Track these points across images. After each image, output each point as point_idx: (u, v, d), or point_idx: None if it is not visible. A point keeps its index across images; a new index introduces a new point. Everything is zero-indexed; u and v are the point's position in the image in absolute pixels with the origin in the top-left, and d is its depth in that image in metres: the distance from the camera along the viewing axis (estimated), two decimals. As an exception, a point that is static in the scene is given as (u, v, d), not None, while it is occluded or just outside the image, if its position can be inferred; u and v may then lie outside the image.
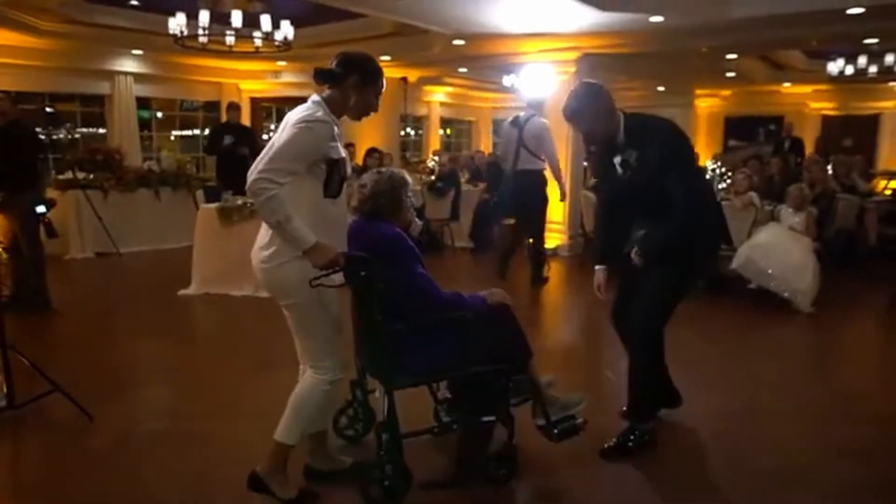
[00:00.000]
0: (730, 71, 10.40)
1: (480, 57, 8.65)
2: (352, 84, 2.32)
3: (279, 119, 11.75)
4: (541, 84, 7.46)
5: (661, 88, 12.83)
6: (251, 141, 7.62)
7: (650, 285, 2.86)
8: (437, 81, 12.84)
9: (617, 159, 2.87)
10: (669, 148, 2.73)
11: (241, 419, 3.27)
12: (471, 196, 8.66)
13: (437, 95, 13.98)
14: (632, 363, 2.98)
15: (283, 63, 9.88)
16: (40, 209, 5.31)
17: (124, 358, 4.35)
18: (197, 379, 3.90)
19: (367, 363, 2.73)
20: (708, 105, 13.74)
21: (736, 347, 4.62)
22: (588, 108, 2.78)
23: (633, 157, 2.80)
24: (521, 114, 6.28)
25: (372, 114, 2.45)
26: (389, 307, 2.43)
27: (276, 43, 7.40)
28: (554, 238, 8.36)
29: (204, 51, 7.49)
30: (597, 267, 3.10)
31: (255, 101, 10.87)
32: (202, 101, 10.67)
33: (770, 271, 5.53)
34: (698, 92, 13.38)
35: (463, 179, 9.96)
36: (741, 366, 4.18)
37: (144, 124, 10.45)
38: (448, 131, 16.32)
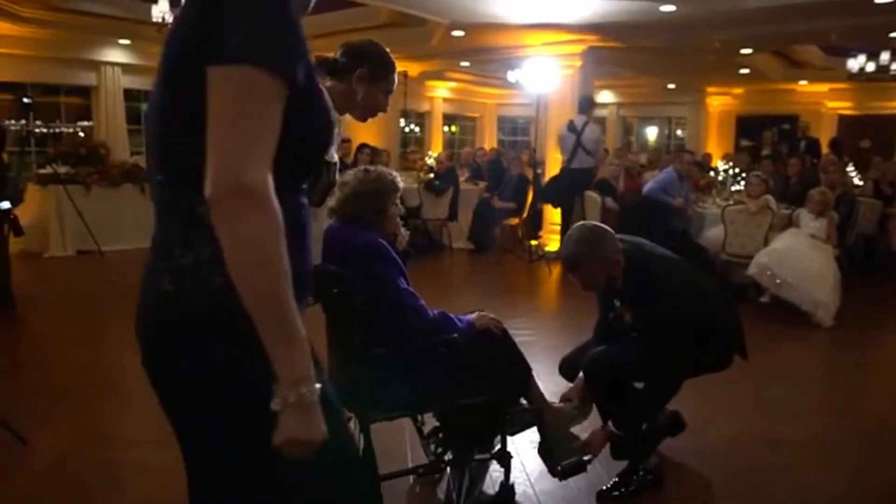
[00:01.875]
0: (743, 67, 9.97)
1: (481, 50, 8.28)
2: (359, 78, 2.01)
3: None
4: (544, 79, 7.08)
5: (671, 86, 12.41)
6: None
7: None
8: (439, 76, 12.45)
9: (611, 314, 2.62)
10: (670, 316, 2.39)
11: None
12: (470, 195, 8.30)
13: (440, 91, 13.59)
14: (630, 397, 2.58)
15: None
16: (4, 205, 5.05)
17: (80, 370, 3.99)
18: (154, 399, 3.54)
19: (341, 391, 2.38)
20: (720, 103, 13.29)
21: (749, 366, 4.19)
22: (587, 258, 2.41)
23: (628, 316, 2.51)
24: (575, 119, 7.29)
25: (380, 114, 2.12)
26: (367, 328, 2.08)
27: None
28: (555, 241, 7.99)
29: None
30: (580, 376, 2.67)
31: None
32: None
33: (788, 281, 5.13)
34: (710, 90, 12.93)
35: (463, 178, 9.62)
36: (755, 388, 3.78)
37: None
38: (453, 128, 15.94)
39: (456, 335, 2.16)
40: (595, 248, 2.40)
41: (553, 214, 8.03)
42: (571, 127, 7.23)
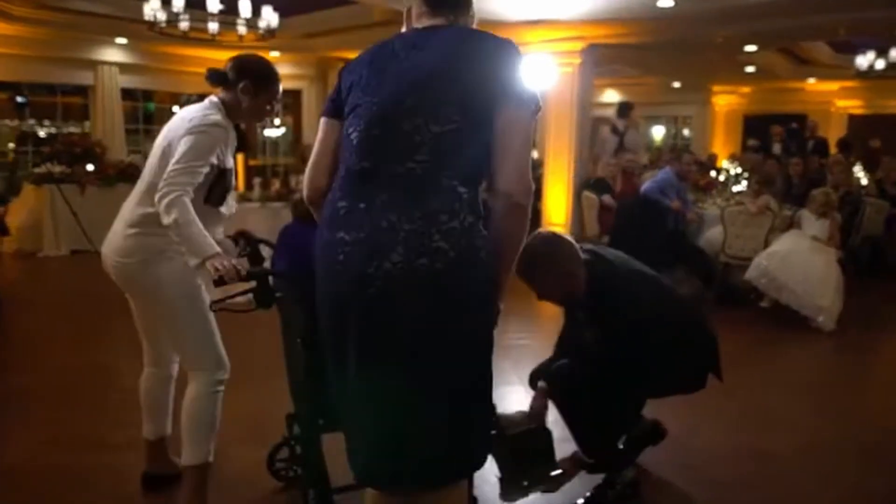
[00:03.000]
0: (749, 65, 9.78)
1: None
2: (243, 89, 2.22)
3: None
4: (541, 77, 6.94)
5: (676, 84, 12.22)
6: None
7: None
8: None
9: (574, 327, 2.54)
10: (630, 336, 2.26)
11: (174, 452, 2.81)
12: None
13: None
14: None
15: (276, 54, 9.43)
16: None
17: (56, 371, 3.91)
18: (130, 401, 3.46)
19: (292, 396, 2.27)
20: (726, 102, 13.09)
21: (744, 372, 4.04)
22: (537, 267, 2.25)
23: (589, 332, 2.39)
24: (616, 123, 7.94)
25: (267, 119, 2.39)
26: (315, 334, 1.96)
27: (261, 31, 6.99)
28: (556, 241, 7.84)
29: (185, 39, 7.08)
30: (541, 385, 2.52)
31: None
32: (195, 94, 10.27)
33: (788, 285, 4.97)
34: (716, 88, 12.74)
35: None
36: (745, 395, 3.63)
37: (149, 117, 10.12)
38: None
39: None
40: (548, 259, 2.26)
41: (553, 214, 7.88)
42: (615, 130, 7.78)
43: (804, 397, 3.70)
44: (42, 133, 8.67)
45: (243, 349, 2.75)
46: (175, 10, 6.33)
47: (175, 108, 9.40)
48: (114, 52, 8.45)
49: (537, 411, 2.40)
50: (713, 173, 7.81)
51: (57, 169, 7.45)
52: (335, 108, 1.63)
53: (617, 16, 6.37)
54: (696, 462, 2.83)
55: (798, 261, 5.05)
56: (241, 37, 7.10)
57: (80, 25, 7.63)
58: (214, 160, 2.12)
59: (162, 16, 6.58)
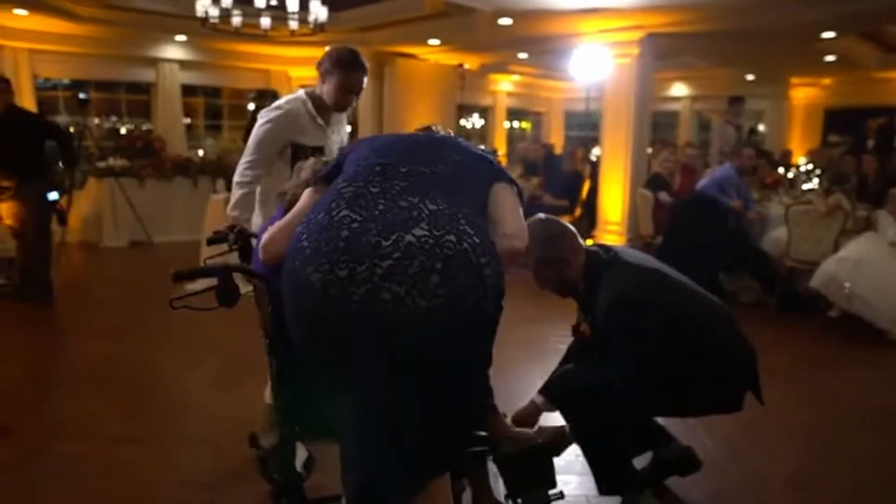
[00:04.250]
0: (829, 54, 9.07)
1: (533, 39, 7.87)
2: (321, 72, 2.58)
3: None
4: (596, 69, 6.63)
5: (750, 77, 11.50)
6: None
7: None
8: (501, 69, 12.09)
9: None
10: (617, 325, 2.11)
11: (179, 446, 2.82)
12: (520, 192, 7.93)
13: (504, 84, 13.23)
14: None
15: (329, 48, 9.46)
16: (53, 196, 5.20)
17: (87, 360, 3.97)
18: (147, 393, 3.46)
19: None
20: (805, 95, 12.22)
21: (800, 390, 3.68)
22: (531, 253, 2.13)
23: (585, 326, 2.28)
24: (730, 117, 7.57)
25: (348, 107, 2.69)
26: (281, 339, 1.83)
27: (311, 26, 6.98)
28: (610, 240, 7.52)
29: (238, 35, 7.16)
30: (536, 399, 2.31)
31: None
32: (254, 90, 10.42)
33: (860, 294, 4.51)
34: (794, 81, 11.91)
35: (517, 174, 9.27)
36: (803, 417, 3.29)
37: (216, 113, 10.37)
38: (523, 124, 15.52)
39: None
40: (543, 245, 2.16)
41: (609, 213, 7.55)
42: (730, 122, 7.60)
43: (869, 426, 3.26)
44: (108, 129, 8.98)
45: (249, 345, 2.67)
46: (224, 5, 6.39)
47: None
48: (174, 50, 8.66)
49: (523, 431, 2.20)
50: (781, 170, 7.27)
51: (118, 163, 7.71)
52: (329, 175, 1.65)
53: (677, 2, 5.98)
54: (733, 490, 2.56)
55: (873, 267, 4.58)
56: (292, 32, 7.11)
57: (142, 24, 7.83)
58: (287, 140, 2.58)
59: (214, 11, 6.67)
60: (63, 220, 5.54)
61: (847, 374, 4.00)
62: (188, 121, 9.49)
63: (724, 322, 2.25)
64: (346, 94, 2.59)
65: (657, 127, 14.91)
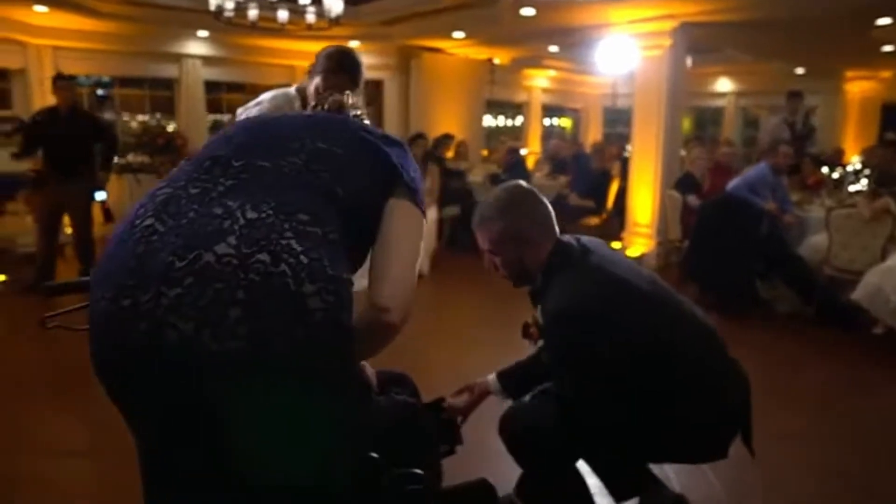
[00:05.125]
0: (886, 43, 8.40)
1: (559, 31, 7.48)
2: (309, 70, 2.45)
3: (357, 104, 11.26)
4: (624, 61, 6.23)
5: (799, 71, 10.82)
6: None
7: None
8: (534, 64, 11.70)
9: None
10: (558, 345, 1.77)
11: (75, 458, 2.68)
12: (545, 191, 7.54)
13: (538, 80, 12.83)
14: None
15: (356, 43, 9.25)
16: (101, 196, 5.30)
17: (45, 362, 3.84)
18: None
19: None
20: (860, 90, 11.45)
21: (833, 417, 3.27)
22: (492, 220, 1.82)
23: (534, 329, 1.97)
24: (789, 113, 7.22)
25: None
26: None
27: (326, 19, 6.79)
28: (639, 244, 7.11)
29: (254, 29, 7.02)
30: (490, 378, 2.07)
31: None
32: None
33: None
34: (849, 74, 11.16)
35: (544, 172, 8.93)
36: (826, 449, 2.88)
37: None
38: (561, 121, 15.10)
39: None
40: (506, 213, 1.81)
41: (638, 214, 7.14)
42: (791, 124, 7.32)
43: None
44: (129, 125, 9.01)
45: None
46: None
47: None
48: (197, 46, 8.59)
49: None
50: (825, 169, 6.72)
51: (138, 160, 7.71)
52: None
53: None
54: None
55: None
56: (309, 25, 6.94)
57: (164, 19, 7.78)
58: None
59: (229, 4, 6.54)
60: (110, 218, 5.63)
61: (890, 404, 3.55)
62: (216, 116, 9.43)
63: (712, 353, 1.86)
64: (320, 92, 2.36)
65: (700, 124, 14.32)
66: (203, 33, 8.42)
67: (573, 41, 8.28)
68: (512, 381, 2.04)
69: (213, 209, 1.05)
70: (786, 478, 2.60)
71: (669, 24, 6.39)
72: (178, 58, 8.54)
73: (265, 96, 2.56)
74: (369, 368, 1.79)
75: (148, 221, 1.05)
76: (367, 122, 1.65)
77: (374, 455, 1.59)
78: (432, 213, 6.59)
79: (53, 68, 7.49)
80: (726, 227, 4.90)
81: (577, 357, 1.69)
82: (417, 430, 1.72)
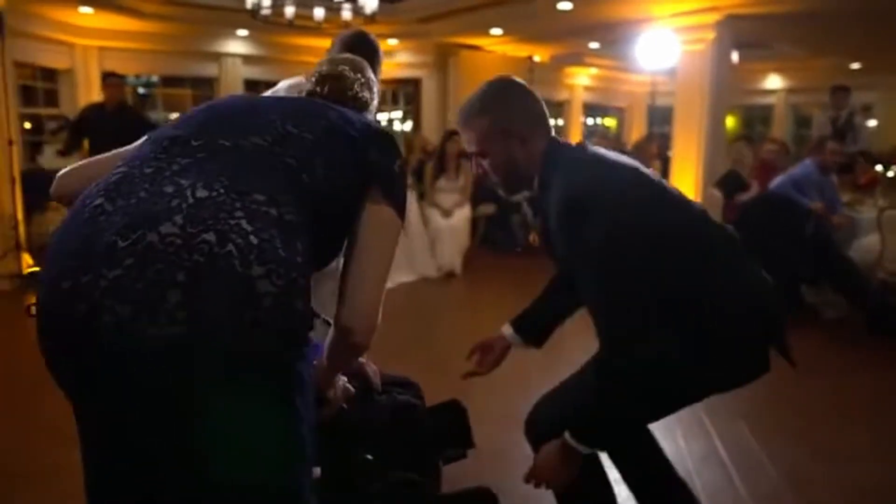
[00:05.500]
0: (950, 37, 7.95)
1: (598, 26, 7.31)
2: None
3: (395, 101, 11.24)
4: (665, 56, 6.04)
5: (854, 66, 10.35)
6: None
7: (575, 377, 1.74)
8: (575, 61, 11.50)
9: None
10: (567, 222, 1.47)
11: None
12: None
13: (580, 78, 12.61)
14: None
15: (394, 41, 9.26)
16: None
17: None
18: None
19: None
20: (923, 86, 10.91)
21: (884, 430, 3.05)
22: (478, 114, 1.61)
23: (534, 235, 1.68)
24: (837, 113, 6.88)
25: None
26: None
27: (364, 16, 6.79)
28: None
29: (291, 27, 7.06)
30: (504, 330, 1.91)
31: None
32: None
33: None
34: (911, 69, 10.64)
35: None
36: (887, 465, 2.68)
37: None
38: (605, 120, 14.83)
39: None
40: (492, 105, 1.59)
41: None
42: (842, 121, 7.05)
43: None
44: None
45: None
46: (276, -4, 6.31)
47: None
48: (236, 44, 8.71)
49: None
50: (879, 167, 6.38)
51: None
52: None
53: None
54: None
55: None
56: (346, 22, 6.94)
57: (204, 19, 7.91)
58: None
59: (266, 2, 6.59)
60: None
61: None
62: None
63: (735, 249, 1.60)
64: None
65: (749, 123, 13.85)
66: (243, 32, 8.53)
67: (614, 37, 8.08)
68: (528, 324, 1.87)
69: (164, 188, 0.99)
70: (829, 501, 2.42)
71: (713, 17, 6.16)
72: (218, 57, 8.68)
73: (282, 85, 2.51)
74: (372, 366, 1.72)
75: (98, 201, 1.00)
76: (373, 106, 1.57)
77: (368, 456, 1.52)
78: (465, 212, 6.51)
79: (99, 68, 7.71)
80: (768, 228, 4.67)
81: (597, 242, 1.42)
82: (416, 432, 1.64)
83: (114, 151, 1.29)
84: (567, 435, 1.47)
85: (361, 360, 1.69)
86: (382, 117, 11.19)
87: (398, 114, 11.05)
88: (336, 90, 1.45)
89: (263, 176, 1.06)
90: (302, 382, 1.00)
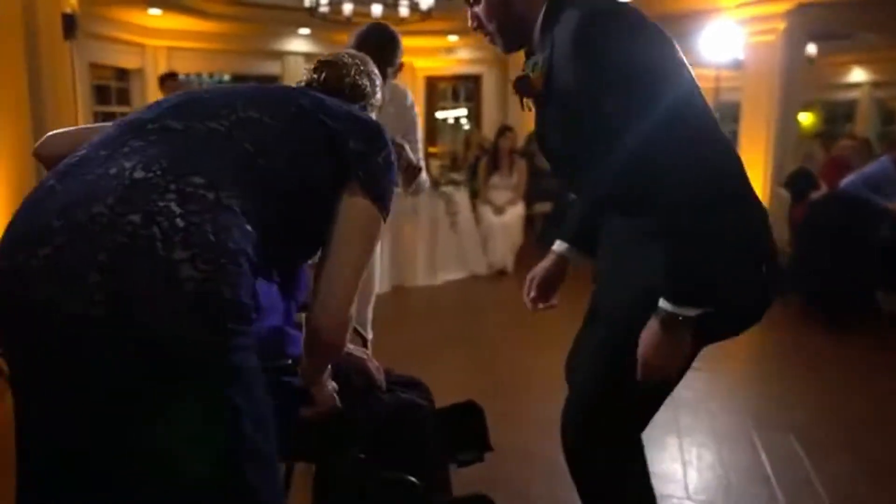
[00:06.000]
0: None
1: (660, 18, 6.95)
2: None
3: (455, 99, 11.18)
4: (728, 49, 5.75)
5: (949, 56, 9.62)
6: None
7: (590, 347, 1.51)
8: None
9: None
10: (590, 40, 1.22)
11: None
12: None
13: (647, 74, 12.23)
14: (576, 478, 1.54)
15: (454, 38, 9.23)
16: None
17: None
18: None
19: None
20: None
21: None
22: None
23: (539, 64, 1.35)
24: None
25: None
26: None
27: (421, 12, 6.79)
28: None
29: (350, 25, 7.13)
30: (555, 247, 1.67)
31: (430, 81, 10.38)
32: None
33: None
34: None
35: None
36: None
37: None
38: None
39: (291, 361, 1.51)
40: None
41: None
42: None
43: None
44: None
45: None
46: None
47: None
48: (299, 43, 8.88)
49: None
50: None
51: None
52: None
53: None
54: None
55: None
56: (402, 19, 6.96)
57: (267, 18, 8.10)
58: None
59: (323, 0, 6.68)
60: None
61: None
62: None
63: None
64: None
65: (832, 119, 13.07)
66: (304, 31, 8.69)
67: (677, 30, 7.74)
68: (575, 233, 1.65)
69: (109, 170, 0.98)
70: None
71: (783, 6, 5.82)
72: (281, 55, 8.88)
73: None
74: (374, 363, 1.68)
75: (50, 182, 1.01)
76: (376, 99, 1.53)
77: (361, 455, 1.48)
78: (518, 210, 6.41)
79: (167, 67, 8.00)
80: (838, 229, 4.37)
81: (615, 62, 1.22)
82: (417, 432, 1.58)
83: (104, 123, 1.29)
84: (663, 304, 1.23)
85: (363, 356, 1.65)
86: (444, 115, 11.18)
87: (462, 111, 10.98)
88: (333, 77, 1.42)
89: (211, 160, 1.03)
90: (239, 373, 0.95)
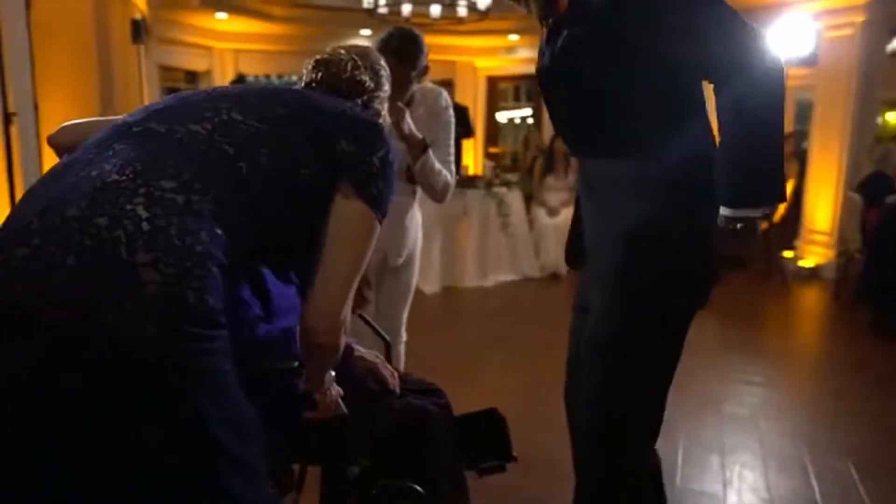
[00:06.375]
0: None
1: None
2: None
3: (516, 99, 11.07)
4: (799, 44, 5.45)
5: None
6: None
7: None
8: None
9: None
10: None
11: None
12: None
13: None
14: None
15: (515, 37, 9.15)
16: None
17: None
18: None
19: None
20: None
21: None
22: None
23: (560, 42, 1.43)
24: None
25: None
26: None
27: (479, 12, 6.75)
28: (815, 254, 6.22)
29: (410, 25, 7.18)
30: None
31: (491, 80, 10.31)
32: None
33: None
34: None
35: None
36: None
37: None
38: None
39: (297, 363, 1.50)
40: None
41: (816, 220, 6.24)
42: None
43: None
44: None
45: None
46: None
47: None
48: (361, 43, 8.99)
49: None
50: None
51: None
52: None
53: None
54: None
55: None
56: (461, 19, 6.95)
57: (330, 20, 8.23)
58: None
59: (383, 0, 6.73)
60: None
61: None
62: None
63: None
64: None
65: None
66: (366, 32, 8.78)
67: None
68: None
69: (91, 172, 1.00)
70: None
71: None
72: (343, 57, 9.00)
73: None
74: (388, 368, 1.65)
75: (37, 186, 1.04)
76: (381, 93, 1.47)
77: (364, 461, 1.46)
78: (569, 210, 6.28)
79: (234, 69, 8.28)
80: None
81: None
82: (426, 440, 1.55)
83: (116, 116, 1.32)
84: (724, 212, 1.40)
85: (376, 360, 1.63)
86: (507, 115, 11.09)
87: (527, 111, 10.86)
88: (329, 74, 1.39)
89: (186, 163, 1.03)
90: (203, 378, 0.94)
